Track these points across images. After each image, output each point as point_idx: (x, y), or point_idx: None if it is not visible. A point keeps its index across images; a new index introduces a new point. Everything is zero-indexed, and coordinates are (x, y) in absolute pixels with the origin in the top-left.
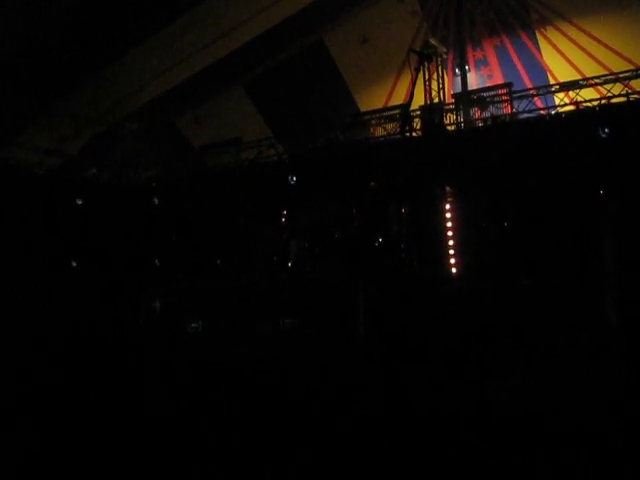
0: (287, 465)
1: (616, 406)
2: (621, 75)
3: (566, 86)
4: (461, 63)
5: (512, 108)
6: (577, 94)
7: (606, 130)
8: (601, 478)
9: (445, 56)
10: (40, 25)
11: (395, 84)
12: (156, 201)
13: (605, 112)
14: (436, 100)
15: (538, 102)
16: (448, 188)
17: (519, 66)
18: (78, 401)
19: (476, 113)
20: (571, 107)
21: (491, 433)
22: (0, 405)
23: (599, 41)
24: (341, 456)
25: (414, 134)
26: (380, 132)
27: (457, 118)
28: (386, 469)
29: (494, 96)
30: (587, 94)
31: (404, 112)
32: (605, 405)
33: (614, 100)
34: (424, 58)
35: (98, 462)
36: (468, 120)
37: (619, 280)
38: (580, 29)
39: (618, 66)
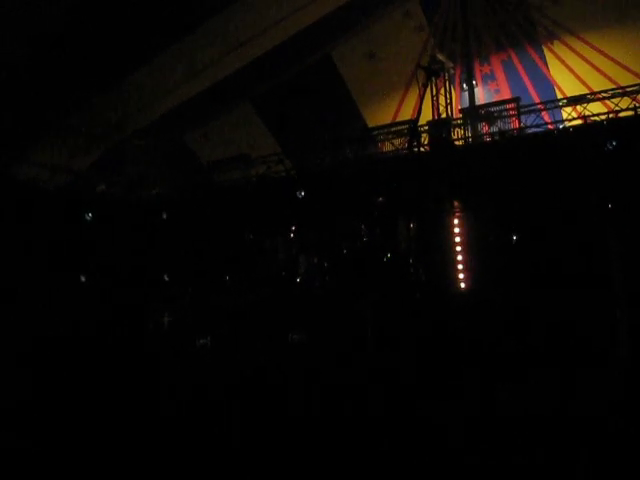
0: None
1: (620, 412)
2: (629, 89)
3: (574, 100)
4: (468, 78)
5: (520, 123)
6: (585, 108)
7: (614, 144)
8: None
9: (452, 71)
10: (51, 41)
11: (403, 99)
12: (164, 216)
13: (613, 126)
14: (444, 115)
15: (546, 116)
16: (456, 203)
17: (526, 81)
18: (85, 410)
19: (484, 128)
20: (579, 121)
21: (497, 436)
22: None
23: (607, 55)
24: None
25: (422, 149)
26: (388, 147)
27: (465, 133)
28: (387, 469)
29: (502, 111)
30: (595, 108)
31: (412, 127)
32: (609, 411)
33: (622, 114)
34: (431, 73)
35: (97, 464)
36: (476, 135)
37: (626, 291)
38: (587, 43)
39: (626, 80)
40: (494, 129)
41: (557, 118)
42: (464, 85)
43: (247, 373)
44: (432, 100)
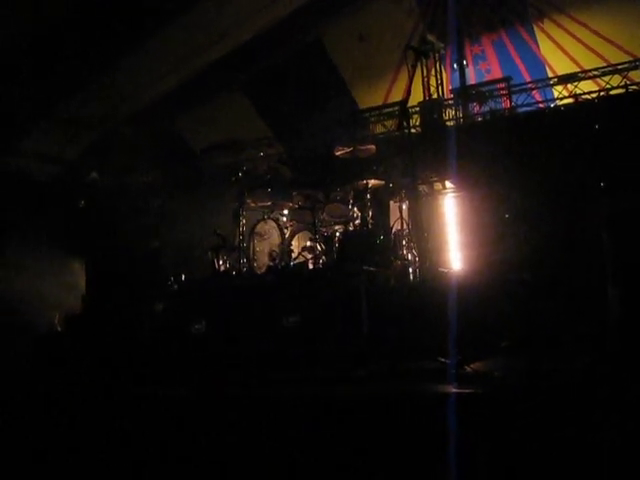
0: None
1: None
2: (619, 67)
3: (564, 79)
4: (459, 59)
5: (511, 102)
6: (576, 87)
7: (605, 122)
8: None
9: (443, 52)
10: (37, 30)
11: (394, 81)
12: (155, 204)
13: (604, 104)
14: (435, 96)
15: (537, 95)
16: (448, 184)
17: (517, 60)
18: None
19: (475, 108)
20: (570, 100)
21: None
22: None
23: (597, 33)
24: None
25: (413, 130)
26: (379, 129)
27: (456, 113)
28: (383, 465)
29: (493, 90)
30: (586, 86)
31: (402, 108)
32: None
33: (613, 92)
34: (420, 54)
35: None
36: (467, 115)
37: (618, 273)
38: (578, 21)
39: (616, 58)
40: (485, 109)
41: (548, 97)
42: (455, 65)
43: (241, 356)
44: (423, 81)
